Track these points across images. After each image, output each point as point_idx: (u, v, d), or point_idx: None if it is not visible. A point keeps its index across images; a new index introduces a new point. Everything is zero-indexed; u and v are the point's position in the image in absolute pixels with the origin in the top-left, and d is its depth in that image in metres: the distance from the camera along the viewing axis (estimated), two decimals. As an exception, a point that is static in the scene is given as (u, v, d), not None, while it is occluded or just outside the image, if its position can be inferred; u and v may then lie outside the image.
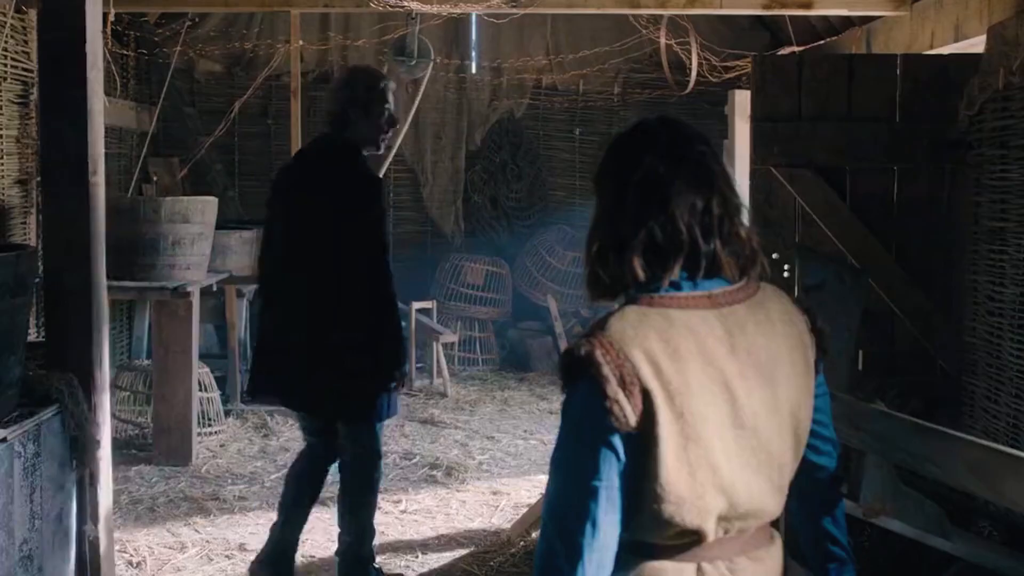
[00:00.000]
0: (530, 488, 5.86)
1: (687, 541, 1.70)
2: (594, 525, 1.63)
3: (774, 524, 1.85)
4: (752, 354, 1.72)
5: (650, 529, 1.69)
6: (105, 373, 4.04)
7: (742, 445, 1.69)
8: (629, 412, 1.62)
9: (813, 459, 1.91)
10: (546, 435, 7.07)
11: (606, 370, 1.62)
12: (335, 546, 4.91)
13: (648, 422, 1.63)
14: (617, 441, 1.63)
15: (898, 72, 4.94)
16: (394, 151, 8.54)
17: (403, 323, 4.13)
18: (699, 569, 1.72)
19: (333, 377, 4.09)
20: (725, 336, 1.71)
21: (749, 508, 1.71)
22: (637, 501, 1.66)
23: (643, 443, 1.63)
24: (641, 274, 1.73)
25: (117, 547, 4.64)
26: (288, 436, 6.79)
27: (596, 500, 1.63)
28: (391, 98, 4.23)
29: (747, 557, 1.76)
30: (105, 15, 4.34)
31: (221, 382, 7.38)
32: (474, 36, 10.14)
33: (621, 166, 1.78)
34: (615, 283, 1.77)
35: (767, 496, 1.74)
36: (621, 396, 1.62)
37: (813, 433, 1.87)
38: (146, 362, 6.89)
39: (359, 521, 4.34)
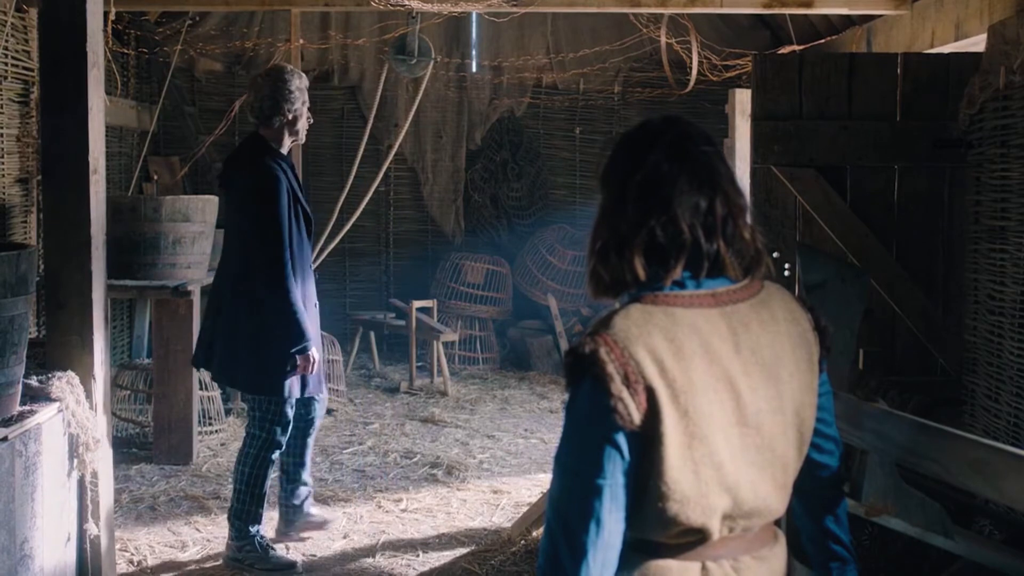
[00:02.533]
0: (531, 487, 5.86)
1: (691, 540, 1.70)
2: (598, 524, 1.63)
3: (776, 523, 1.85)
4: (756, 352, 1.72)
5: (654, 528, 1.69)
6: (106, 372, 4.05)
7: (746, 443, 1.69)
8: (633, 410, 1.62)
9: (816, 458, 1.92)
10: (546, 434, 7.08)
11: (610, 368, 1.62)
12: (336, 545, 4.93)
13: (652, 420, 1.63)
14: (621, 440, 1.63)
15: (898, 71, 4.94)
16: (394, 150, 8.55)
17: (294, 306, 4.39)
18: (703, 568, 1.72)
19: (233, 351, 4.48)
20: (729, 334, 1.71)
21: (753, 507, 1.71)
22: (641, 499, 1.66)
23: (647, 441, 1.63)
24: (642, 273, 1.73)
25: (118, 546, 4.64)
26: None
27: (600, 499, 1.63)
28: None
29: (751, 556, 1.75)
30: (106, 14, 4.33)
31: (221, 381, 7.39)
32: (474, 35, 10.14)
33: (625, 165, 1.78)
34: (616, 281, 1.76)
35: (771, 495, 1.74)
36: (625, 394, 1.62)
37: (816, 432, 1.87)
38: (147, 361, 6.89)
39: (235, 490, 4.64)
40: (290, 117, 4.51)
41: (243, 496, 4.60)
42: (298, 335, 4.37)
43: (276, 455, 4.63)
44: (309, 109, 4.64)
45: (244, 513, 4.60)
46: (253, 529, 4.62)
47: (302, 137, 4.64)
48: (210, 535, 5.05)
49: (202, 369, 5.25)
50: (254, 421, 4.58)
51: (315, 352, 4.44)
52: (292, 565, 4.62)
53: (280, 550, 4.73)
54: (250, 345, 4.43)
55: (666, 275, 1.72)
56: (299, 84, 4.54)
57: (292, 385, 4.47)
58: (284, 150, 4.59)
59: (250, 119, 4.65)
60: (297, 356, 4.40)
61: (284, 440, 4.62)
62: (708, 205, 1.73)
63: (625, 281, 1.75)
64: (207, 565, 4.70)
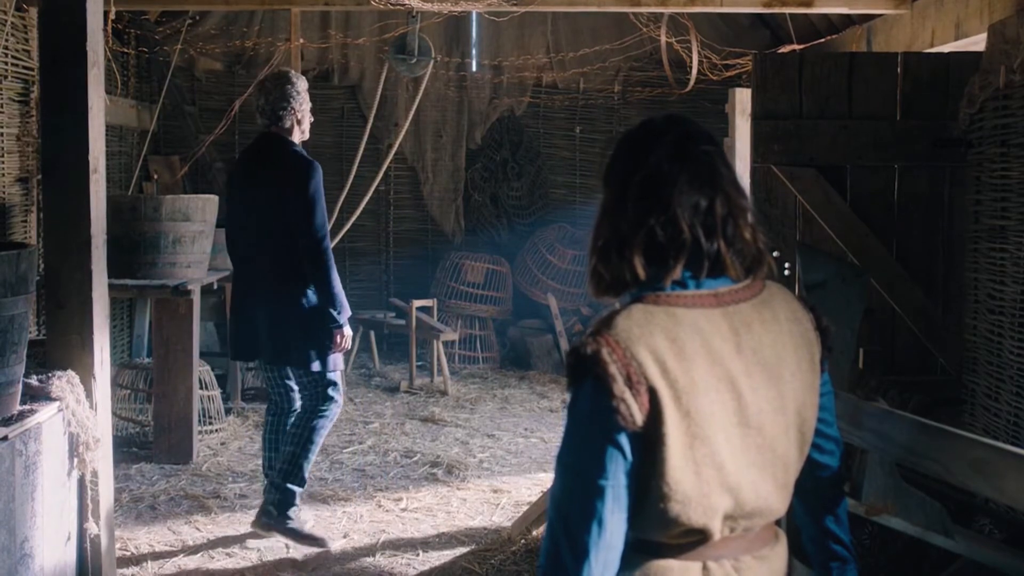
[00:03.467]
0: (531, 486, 5.86)
1: (693, 540, 1.70)
2: (600, 524, 1.63)
3: (777, 522, 1.85)
4: (758, 353, 1.72)
5: (656, 528, 1.69)
6: (106, 371, 4.05)
7: (748, 444, 1.69)
8: (636, 411, 1.62)
9: (817, 458, 1.92)
10: (546, 433, 7.08)
11: (612, 369, 1.62)
12: (336, 544, 4.93)
13: (654, 421, 1.62)
14: (624, 440, 1.63)
15: (898, 70, 4.94)
16: (394, 149, 8.55)
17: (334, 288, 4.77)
18: (705, 568, 1.72)
19: (283, 333, 4.78)
20: (731, 335, 1.71)
21: (755, 507, 1.71)
22: (643, 500, 1.66)
23: (649, 442, 1.63)
24: (642, 272, 1.73)
25: (118, 545, 4.64)
26: (289, 434, 6.79)
27: (603, 499, 1.63)
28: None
29: (752, 556, 1.75)
30: (106, 13, 4.33)
31: (222, 380, 7.39)
32: (474, 34, 10.14)
33: (626, 164, 1.78)
34: (617, 281, 1.76)
35: (773, 495, 1.74)
36: (628, 395, 1.62)
37: (817, 432, 1.87)
38: (147, 360, 6.89)
39: (293, 454, 4.90)
40: (299, 116, 4.88)
41: (301, 460, 4.85)
42: (341, 310, 4.75)
43: (332, 422, 4.96)
44: (311, 110, 5.01)
45: (298, 479, 4.85)
46: (300, 491, 4.90)
47: (307, 135, 4.99)
48: (210, 534, 5.05)
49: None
50: (314, 395, 4.86)
51: (348, 328, 4.83)
52: (323, 540, 4.89)
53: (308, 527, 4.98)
54: (301, 324, 4.74)
55: (666, 275, 1.71)
56: (304, 86, 4.93)
57: (337, 359, 4.87)
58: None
59: (259, 120, 4.95)
60: (334, 331, 4.75)
61: (341, 404, 4.98)
62: (708, 205, 1.72)
63: (625, 280, 1.75)
64: (207, 564, 4.70)
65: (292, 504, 4.87)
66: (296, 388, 4.96)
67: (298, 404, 4.98)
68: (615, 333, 1.65)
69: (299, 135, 4.91)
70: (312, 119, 4.99)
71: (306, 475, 4.91)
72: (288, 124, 4.86)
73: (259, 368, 5.07)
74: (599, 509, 1.63)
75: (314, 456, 4.93)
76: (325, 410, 4.88)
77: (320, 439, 4.92)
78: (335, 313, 4.72)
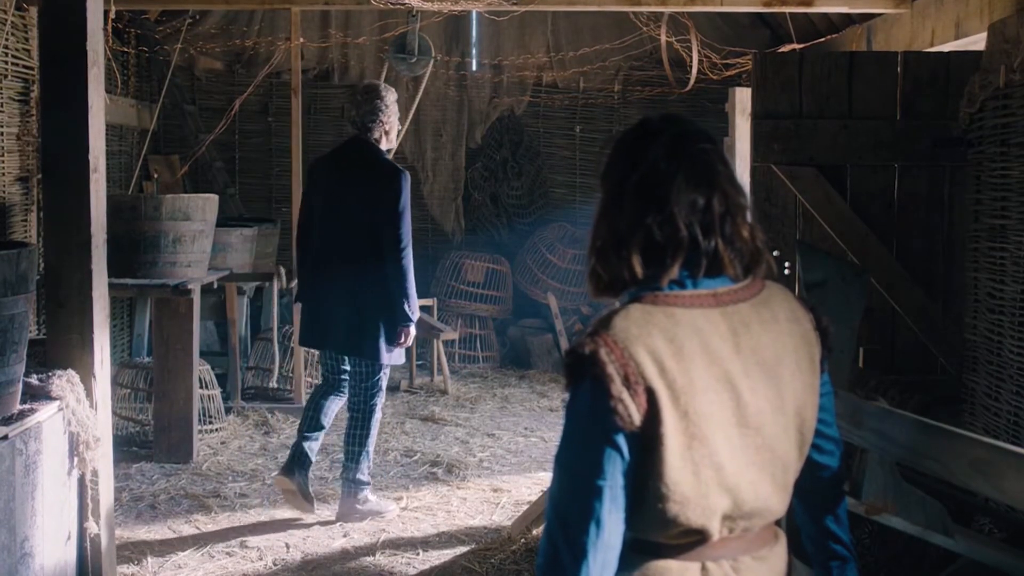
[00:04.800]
0: (531, 485, 5.86)
1: (692, 540, 1.70)
2: (598, 524, 1.62)
3: (777, 522, 1.85)
4: (757, 353, 1.72)
5: (654, 528, 1.68)
6: (106, 370, 4.05)
7: (747, 444, 1.69)
8: (633, 411, 1.62)
9: (817, 458, 1.91)
10: (546, 432, 7.08)
11: (610, 369, 1.61)
12: (336, 543, 4.94)
13: (652, 421, 1.62)
14: (622, 440, 1.63)
15: (899, 70, 4.94)
16: (394, 149, 8.55)
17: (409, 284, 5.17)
18: (703, 568, 1.71)
19: (360, 325, 5.13)
20: (729, 335, 1.70)
21: (754, 507, 1.71)
22: (641, 500, 1.66)
23: (647, 442, 1.63)
24: (640, 272, 1.72)
25: (118, 544, 4.64)
26: (288, 433, 6.79)
27: (600, 499, 1.62)
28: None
29: (752, 556, 1.75)
30: (106, 12, 4.33)
31: (222, 379, 7.39)
32: (474, 33, 10.14)
33: (623, 163, 1.78)
34: (615, 280, 1.76)
35: (772, 495, 1.73)
36: (625, 395, 1.61)
37: (817, 432, 1.87)
38: (147, 359, 6.89)
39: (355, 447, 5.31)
40: (387, 128, 5.28)
41: (367, 447, 5.28)
42: (414, 310, 5.14)
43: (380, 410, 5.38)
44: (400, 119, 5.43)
45: (366, 464, 5.26)
46: (366, 479, 5.30)
47: (394, 144, 5.43)
48: (210, 533, 5.05)
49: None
50: (370, 385, 5.23)
51: (414, 328, 5.23)
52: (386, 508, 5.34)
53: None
54: (376, 319, 5.09)
55: (663, 274, 1.71)
56: (392, 98, 5.30)
57: (399, 353, 5.30)
58: None
59: (350, 129, 5.37)
60: (403, 327, 5.13)
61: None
62: (706, 203, 1.72)
63: (624, 280, 1.74)
64: (207, 564, 4.70)
65: (363, 491, 5.27)
66: (347, 376, 5.32)
67: (345, 388, 5.35)
68: (613, 333, 1.65)
69: (386, 144, 5.30)
70: (401, 128, 5.43)
71: (369, 463, 5.30)
72: (377, 135, 5.24)
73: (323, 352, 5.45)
74: (597, 509, 1.62)
75: (373, 444, 5.35)
76: (375, 401, 5.27)
77: (376, 427, 5.33)
78: (408, 311, 5.08)
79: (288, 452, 5.44)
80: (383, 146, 5.27)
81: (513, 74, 10.06)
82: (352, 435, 5.26)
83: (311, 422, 5.31)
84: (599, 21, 9.71)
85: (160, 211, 6.35)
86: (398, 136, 8.10)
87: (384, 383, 5.31)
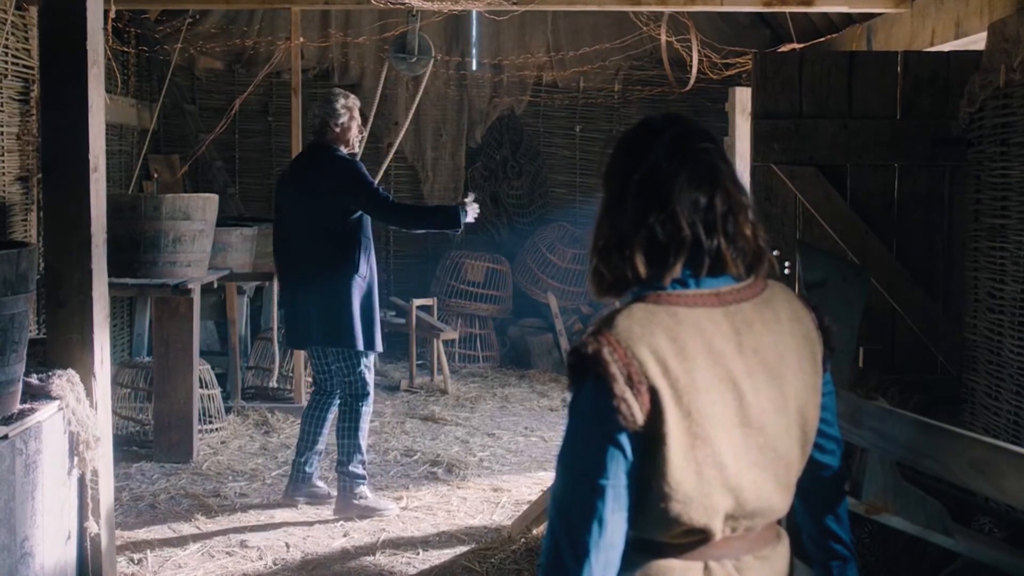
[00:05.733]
0: (531, 485, 5.86)
1: (694, 540, 1.70)
2: (601, 524, 1.62)
3: (779, 522, 1.85)
4: (759, 352, 1.72)
5: (657, 527, 1.68)
6: (106, 370, 4.05)
7: (749, 443, 1.69)
8: (636, 411, 1.62)
9: (818, 457, 1.91)
10: (547, 432, 7.08)
11: (613, 368, 1.61)
12: (336, 543, 4.94)
13: (655, 421, 1.62)
14: (624, 440, 1.62)
15: (899, 69, 4.94)
16: (394, 148, 8.55)
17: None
18: (706, 568, 1.71)
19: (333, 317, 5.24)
20: (732, 334, 1.70)
21: (756, 507, 1.71)
22: (644, 499, 1.66)
23: (650, 442, 1.63)
24: (643, 271, 1.72)
25: (118, 544, 4.64)
26: (288, 433, 6.80)
27: (603, 499, 1.62)
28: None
29: (754, 556, 1.75)
30: (106, 12, 4.33)
31: (222, 379, 7.39)
32: (475, 33, 10.13)
33: (625, 162, 1.78)
34: (618, 280, 1.76)
35: (774, 495, 1.73)
36: (628, 395, 1.61)
37: (819, 431, 1.87)
38: (147, 359, 6.89)
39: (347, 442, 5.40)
40: (338, 131, 5.35)
41: (357, 439, 5.35)
42: (451, 214, 5.34)
43: (370, 407, 5.46)
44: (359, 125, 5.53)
45: (359, 457, 5.35)
46: (362, 473, 5.40)
47: (355, 147, 5.50)
48: (210, 533, 5.05)
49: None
50: (355, 378, 5.31)
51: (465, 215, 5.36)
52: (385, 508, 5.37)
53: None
54: (349, 305, 5.19)
55: (666, 273, 1.71)
56: (348, 104, 5.40)
57: (377, 338, 5.35)
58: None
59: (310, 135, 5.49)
60: (462, 212, 5.31)
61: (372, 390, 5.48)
62: (708, 201, 1.72)
63: (626, 279, 1.74)
64: (207, 563, 4.70)
65: (358, 485, 5.35)
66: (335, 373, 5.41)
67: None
68: (616, 332, 1.65)
69: (346, 149, 5.39)
70: (363, 136, 5.66)
71: (363, 458, 5.37)
72: (330, 137, 5.35)
73: (309, 353, 5.58)
74: (600, 508, 1.62)
75: (365, 440, 5.41)
76: (362, 392, 5.32)
77: (365, 419, 5.38)
78: (451, 219, 5.30)
79: (290, 465, 5.65)
80: (343, 150, 5.38)
81: (513, 74, 10.05)
82: (342, 428, 5.36)
83: (308, 440, 5.47)
84: (599, 21, 9.71)
85: (160, 211, 6.34)
86: (395, 141, 8.16)
87: (369, 375, 5.36)
